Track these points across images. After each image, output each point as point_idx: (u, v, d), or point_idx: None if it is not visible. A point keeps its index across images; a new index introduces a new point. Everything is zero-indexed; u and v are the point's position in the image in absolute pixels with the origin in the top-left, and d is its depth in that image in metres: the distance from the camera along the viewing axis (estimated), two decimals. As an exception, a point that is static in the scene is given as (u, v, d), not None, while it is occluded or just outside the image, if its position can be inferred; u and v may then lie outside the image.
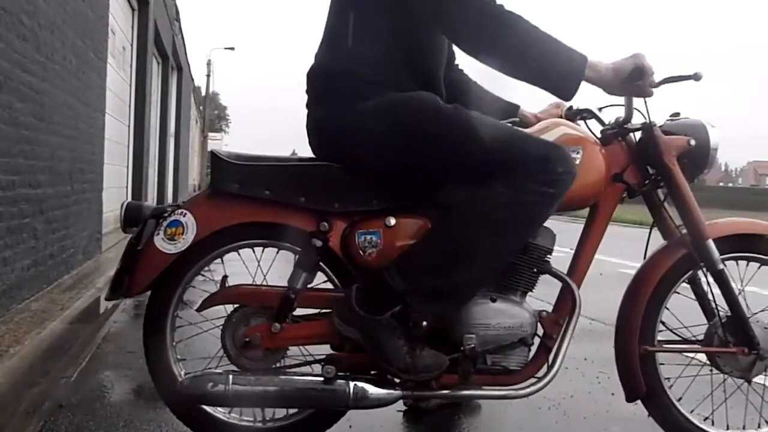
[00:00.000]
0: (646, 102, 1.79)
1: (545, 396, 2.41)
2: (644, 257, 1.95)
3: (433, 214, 1.72)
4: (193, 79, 26.24)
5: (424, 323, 1.66)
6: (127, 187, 8.86)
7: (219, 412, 1.80)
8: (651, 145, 1.83)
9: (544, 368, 1.77)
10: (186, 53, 19.21)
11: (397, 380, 1.71)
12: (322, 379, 1.69)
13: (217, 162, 1.73)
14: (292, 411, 1.83)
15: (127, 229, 1.75)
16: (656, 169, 1.86)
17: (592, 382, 2.71)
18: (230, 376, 1.66)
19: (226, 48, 39.30)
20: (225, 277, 1.79)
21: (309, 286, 1.76)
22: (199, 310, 1.76)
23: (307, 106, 1.79)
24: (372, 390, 1.69)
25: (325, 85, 1.74)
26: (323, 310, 1.77)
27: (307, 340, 1.77)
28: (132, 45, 9.04)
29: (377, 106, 1.66)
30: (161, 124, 12.93)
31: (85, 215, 5.11)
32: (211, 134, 42.82)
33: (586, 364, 2.91)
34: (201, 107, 37.98)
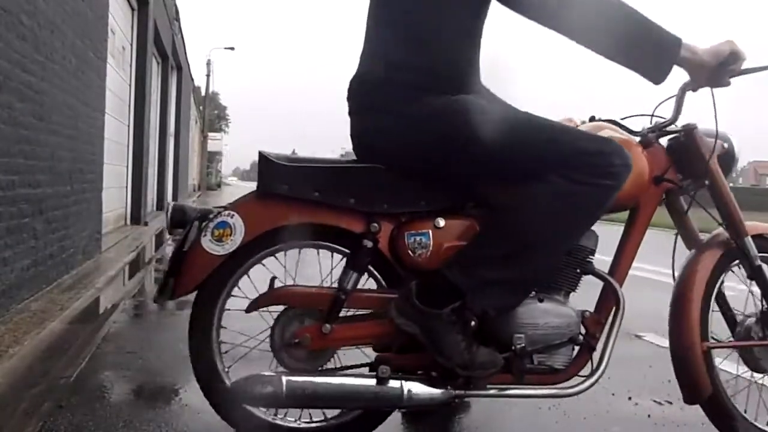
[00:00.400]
0: (714, 99, 1.79)
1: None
2: (672, 264, 1.97)
3: (482, 214, 1.75)
4: (192, 79, 26.23)
5: (473, 322, 1.68)
6: (126, 187, 8.85)
7: (265, 414, 1.80)
8: (694, 147, 1.87)
9: (587, 367, 1.79)
10: (186, 53, 19.21)
11: (445, 379, 1.72)
12: (374, 379, 1.70)
13: (265, 163, 1.72)
14: (339, 411, 1.83)
15: (172, 230, 1.75)
16: (694, 171, 1.89)
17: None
18: (283, 378, 1.67)
19: (225, 48, 39.25)
20: (273, 278, 1.79)
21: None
22: (247, 311, 1.75)
23: (352, 112, 1.82)
24: (424, 390, 1.71)
25: (373, 91, 1.75)
26: (371, 311, 1.79)
27: (357, 341, 1.78)
28: (132, 45, 9.04)
29: (426, 111, 1.68)
30: (161, 124, 12.93)
31: (85, 215, 5.10)
32: (210, 134, 42.80)
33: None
34: (201, 107, 37.93)
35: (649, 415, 2.32)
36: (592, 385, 1.76)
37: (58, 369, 2.61)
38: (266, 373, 1.69)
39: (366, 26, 1.81)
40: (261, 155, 1.74)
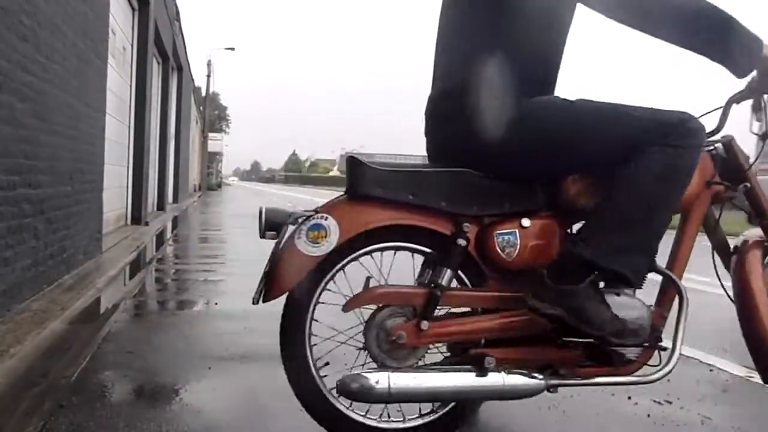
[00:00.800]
0: (766, 109, 1.98)
1: (545, 395, 2.41)
2: (715, 270, 2.07)
3: (560, 213, 1.87)
4: (193, 80, 26.24)
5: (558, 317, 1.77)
6: (127, 187, 8.86)
7: (355, 413, 1.84)
8: (734, 156, 2.01)
9: (655, 357, 1.89)
10: (186, 53, 19.22)
11: (539, 370, 1.83)
12: (474, 372, 1.79)
13: (358, 167, 1.80)
14: (431, 408, 1.91)
15: (265, 234, 1.78)
16: (733, 177, 2.00)
17: (592, 382, 2.71)
18: (389, 374, 1.73)
19: (226, 48, 39.26)
20: (369, 278, 1.84)
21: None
22: (345, 310, 1.79)
23: (435, 120, 1.92)
24: (522, 380, 1.81)
25: (463, 99, 1.82)
26: (461, 308, 1.88)
27: (455, 337, 1.86)
28: (132, 45, 9.05)
29: (521, 112, 1.79)
30: (161, 125, 12.94)
31: (86, 215, 5.11)
32: (211, 134, 42.77)
33: (586, 364, 2.90)
34: (201, 107, 37.92)
35: (648, 415, 2.32)
36: (668, 372, 1.86)
37: (59, 369, 2.62)
38: (372, 369, 1.76)
39: (442, 39, 1.94)
40: (353, 159, 1.81)
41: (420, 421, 1.89)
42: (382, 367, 1.79)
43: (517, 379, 1.80)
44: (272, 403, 2.34)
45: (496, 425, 2.28)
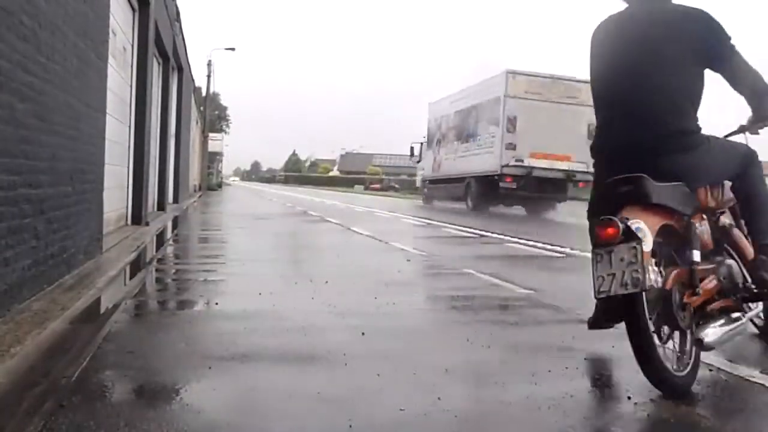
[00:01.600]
0: None
1: (545, 395, 2.41)
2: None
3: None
4: (193, 80, 26.24)
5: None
6: (127, 187, 8.86)
7: (672, 369, 2.48)
8: None
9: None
10: (186, 54, 19.23)
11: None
12: (726, 321, 2.63)
13: (647, 182, 2.51)
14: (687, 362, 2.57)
15: (622, 238, 2.38)
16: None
17: (592, 382, 2.72)
18: (723, 328, 2.57)
19: (226, 49, 39.21)
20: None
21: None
22: (648, 295, 2.40)
23: (634, 148, 2.66)
24: (744, 325, 2.72)
25: (670, 137, 2.62)
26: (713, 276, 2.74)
27: (710, 295, 2.67)
28: (133, 45, 9.05)
29: (706, 148, 2.69)
30: (162, 125, 12.94)
31: (86, 215, 5.11)
32: (211, 134, 42.76)
33: (586, 364, 2.91)
34: (201, 107, 37.90)
35: (648, 415, 2.32)
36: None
37: (60, 369, 2.62)
38: (727, 325, 2.60)
39: (626, 94, 2.72)
40: (643, 177, 2.51)
41: (686, 371, 2.54)
42: (681, 327, 2.52)
43: (745, 324, 2.70)
44: (272, 403, 2.35)
45: (495, 424, 2.28)
